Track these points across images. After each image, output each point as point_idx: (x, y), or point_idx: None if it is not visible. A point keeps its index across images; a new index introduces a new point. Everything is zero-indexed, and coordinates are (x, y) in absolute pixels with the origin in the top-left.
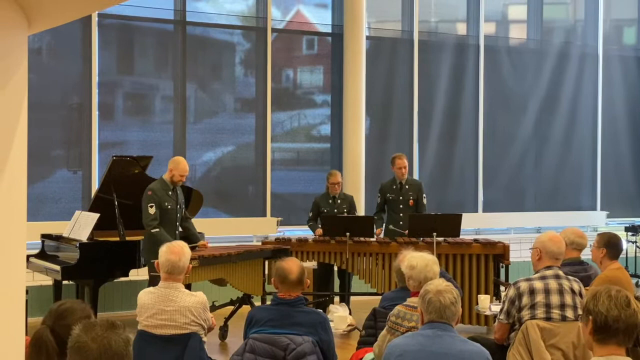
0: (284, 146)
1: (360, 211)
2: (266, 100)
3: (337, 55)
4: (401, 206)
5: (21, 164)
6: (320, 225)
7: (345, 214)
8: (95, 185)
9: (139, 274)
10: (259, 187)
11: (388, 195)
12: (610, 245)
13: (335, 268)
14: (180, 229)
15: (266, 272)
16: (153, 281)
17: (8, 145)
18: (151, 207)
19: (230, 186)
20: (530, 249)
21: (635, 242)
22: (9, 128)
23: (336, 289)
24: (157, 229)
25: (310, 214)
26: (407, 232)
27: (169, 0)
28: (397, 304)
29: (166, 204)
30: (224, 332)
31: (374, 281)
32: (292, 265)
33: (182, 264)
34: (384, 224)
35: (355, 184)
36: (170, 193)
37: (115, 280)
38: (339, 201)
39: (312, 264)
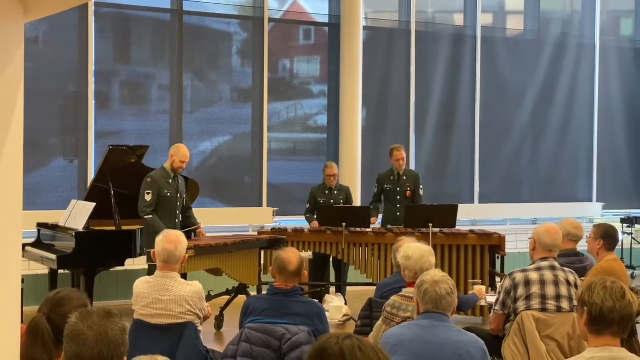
0: (281, 136)
1: (357, 202)
2: (263, 90)
3: (334, 46)
4: (398, 197)
5: (17, 153)
6: (316, 218)
7: (342, 205)
8: (91, 175)
9: (135, 263)
10: (255, 177)
11: (385, 186)
12: (607, 236)
13: (331, 258)
14: (180, 218)
15: (262, 262)
16: (152, 271)
17: (4, 133)
18: (148, 194)
19: (227, 176)
20: (529, 239)
21: (631, 233)
22: (5, 117)
23: (332, 279)
24: (151, 216)
25: (308, 206)
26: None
27: None
28: (395, 287)
29: (165, 191)
30: (219, 322)
31: (369, 271)
32: (291, 255)
33: (178, 253)
34: (380, 215)
35: (352, 174)
36: (170, 181)
37: (111, 269)
38: (335, 192)
39: (307, 255)
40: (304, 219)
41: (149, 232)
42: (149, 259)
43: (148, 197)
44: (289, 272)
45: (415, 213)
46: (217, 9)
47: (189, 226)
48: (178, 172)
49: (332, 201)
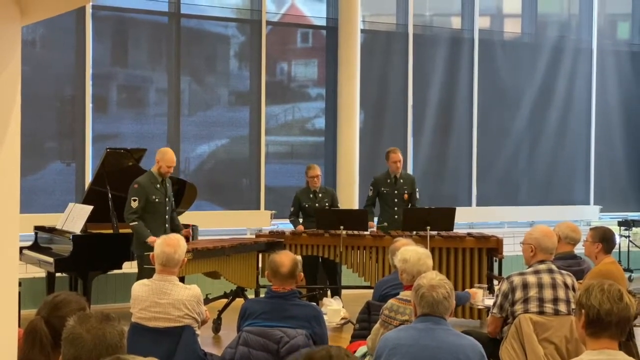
0: (278, 139)
1: (354, 205)
2: (260, 93)
3: (332, 49)
4: (396, 200)
5: (14, 156)
6: (301, 221)
7: (327, 208)
8: (88, 178)
9: (132, 266)
10: (253, 180)
11: (382, 189)
12: (605, 239)
13: (321, 260)
14: (169, 223)
15: (260, 265)
16: (142, 274)
17: (1, 136)
18: (134, 200)
19: (224, 179)
20: (520, 243)
21: (628, 236)
22: (2, 120)
23: (324, 282)
24: (135, 222)
25: (292, 209)
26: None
27: None
28: (394, 284)
29: (153, 197)
30: (217, 325)
31: (367, 274)
32: (284, 258)
33: (177, 257)
34: (376, 219)
35: (349, 177)
36: (158, 186)
37: (108, 272)
38: (320, 195)
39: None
40: (289, 222)
41: (133, 238)
42: (142, 263)
43: (134, 204)
44: (282, 274)
45: (413, 216)
46: (215, 12)
47: (174, 230)
48: (165, 177)
49: (317, 205)
